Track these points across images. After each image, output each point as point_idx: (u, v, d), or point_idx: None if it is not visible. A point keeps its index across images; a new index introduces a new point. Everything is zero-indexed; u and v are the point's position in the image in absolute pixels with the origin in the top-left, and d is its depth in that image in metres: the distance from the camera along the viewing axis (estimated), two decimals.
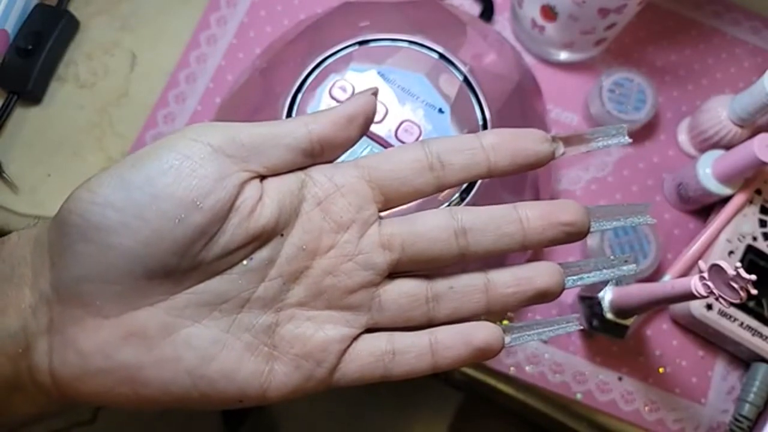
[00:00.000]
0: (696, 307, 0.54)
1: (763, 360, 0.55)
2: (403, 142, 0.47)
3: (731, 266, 0.38)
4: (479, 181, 0.47)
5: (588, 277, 0.30)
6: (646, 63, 0.64)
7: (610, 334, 0.52)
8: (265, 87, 0.50)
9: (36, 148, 0.58)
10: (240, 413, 1.13)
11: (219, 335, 0.27)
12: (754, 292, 0.37)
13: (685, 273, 0.57)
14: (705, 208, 0.59)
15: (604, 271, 0.31)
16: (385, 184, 0.29)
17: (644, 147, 0.62)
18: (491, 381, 0.57)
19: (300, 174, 0.29)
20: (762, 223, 0.56)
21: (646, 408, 0.56)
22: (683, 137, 0.62)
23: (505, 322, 0.35)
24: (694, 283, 0.41)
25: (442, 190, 0.30)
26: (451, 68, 0.49)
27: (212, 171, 0.26)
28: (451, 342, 0.30)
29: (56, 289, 0.26)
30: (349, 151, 0.30)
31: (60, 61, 0.61)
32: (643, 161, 0.61)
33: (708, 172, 0.55)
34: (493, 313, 0.30)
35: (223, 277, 0.27)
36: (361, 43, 0.49)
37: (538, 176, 0.53)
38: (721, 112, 0.56)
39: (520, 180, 0.51)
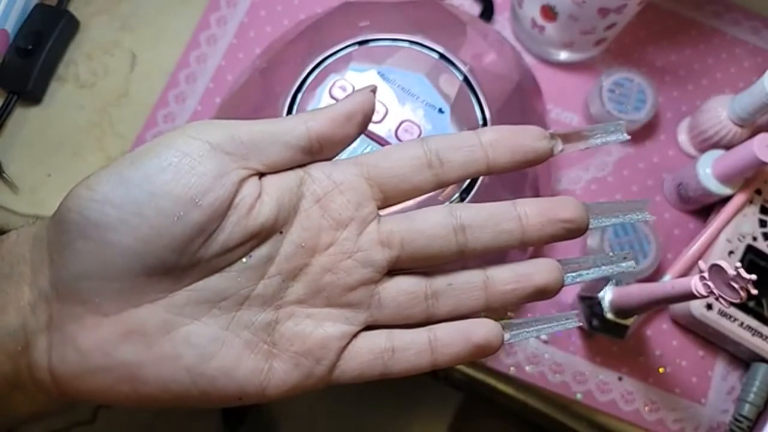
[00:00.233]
0: (696, 307, 0.54)
1: (763, 360, 0.55)
2: None
3: (731, 266, 0.37)
4: (479, 181, 0.47)
5: (587, 273, 0.30)
6: (646, 63, 0.64)
7: (610, 334, 0.52)
8: (265, 87, 0.50)
9: (36, 148, 0.58)
10: (240, 413, 1.13)
11: (218, 333, 0.27)
12: (754, 292, 0.37)
13: (685, 273, 0.57)
14: (705, 208, 0.59)
15: (603, 267, 0.31)
16: (384, 182, 0.29)
17: (644, 147, 0.62)
18: (491, 381, 0.57)
19: (299, 171, 0.29)
20: (762, 223, 0.56)
21: (646, 408, 0.56)
22: (683, 137, 0.62)
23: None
24: (694, 283, 0.41)
25: (441, 187, 0.30)
26: (451, 68, 0.49)
27: (211, 168, 0.26)
28: (451, 339, 0.30)
29: (55, 287, 0.26)
30: (349, 151, 0.30)
31: (60, 61, 0.61)
32: (643, 161, 0.61)
33: (708, 172, 0.55)
34: (493, 311, 0.30)
35: (222, 274, 0.27)
36: (361, 43, 0.49)
37: (538, 176, 0.53)
38: (721, 112, 0.56)
39: (520, 180, 0.51)
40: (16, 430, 0.31)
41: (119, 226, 0.25)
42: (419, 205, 0.31)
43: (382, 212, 0.30)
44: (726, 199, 0.56)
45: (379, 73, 0.48)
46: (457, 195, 0.46)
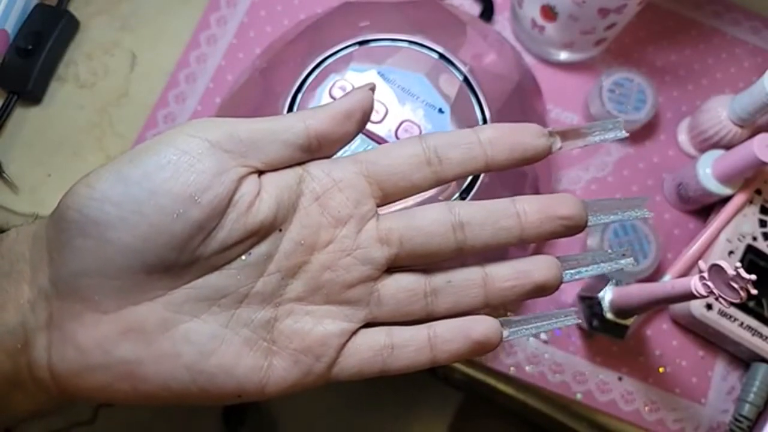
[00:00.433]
0: (696, 307, 0.54)
1: (763, 360, 0.55)
2: None
3: (731, 266, 0.38)
4: (479, 181, 0.47)
5: (586, 270, 0.30)
6: (646, 63, 0.64)
7: (610, 334, 0.52)
8: (265, 87, 0.50)
9: (36, 148, 0.58)
10: (240, 413, 1.13)
11: (218, 330, 0.27)
12: (754, 292, 0.37)
13: (685, 273, 0.57)
14: (705, 208, 0.59)
15: (602, 264, 0.31)
16: (382, 179, 0.29)
17: (644, 147, 0.62)
18: (491, 381, 0.57)
19: (298, 169, 0.29)
20: (762, 223, 0.56)
21: (646, 408, 0.56)
22: (683, 137, 0.62)
23: None
24: (694, 283, 0.41)
25: (440, 185, 0.30)
26: (451, 68, 0.49)
27: (210, 166, 0.26)
28: (450, 336, 0.30)
29: (55, 285, 0.26)
30: (349, 151, 0.30)
31: (60, 61, 0.61)
32: (643, 161, 0.61)
33: (708, 172, 0.55)
34: (493, 308, 0.30)
35: (222, 272, 0.27)
36: (361, 43, 0.49)
37: (538, 176, 0.53)
38: (721, 112, 0.56)
39: (520, 179, 0.51)
40: (15, 429, 0.31)
41: (118, 224, 0.25)
42: (419, 205, 0.31)
43: (381, 210, 0.30)
44: (726, 199, 0.56)
45: (379, 73, 0.48)
46: (457, 195, 0.46)
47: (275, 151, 0.28)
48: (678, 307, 0.56)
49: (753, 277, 0.37)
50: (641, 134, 0.62)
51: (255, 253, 0.28)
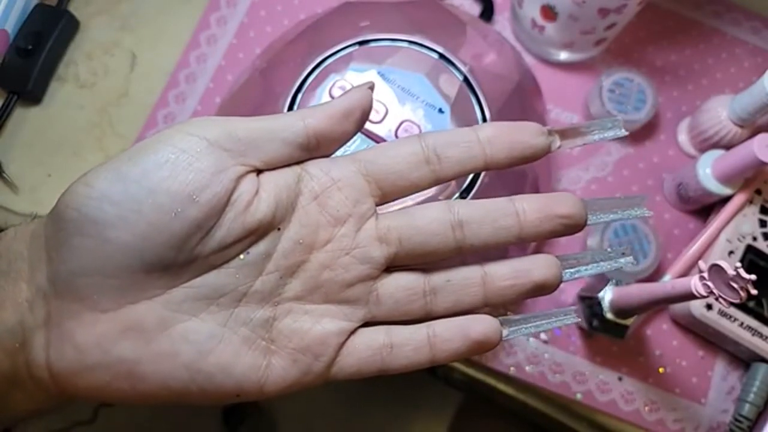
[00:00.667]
0: (696, 307, 0.54)
1: (763, 360, 0.54)
2: None
3: (731, 266, 0.37)
4: (479, 181, 0.47)
5: (585, 269, 0.30)
6: (646, 63, 0.64)
7: (610, 334, 0.52)
8: (265, 87, 0.50)
9: (36, 148, 0.58)
10: (239, 413, 1.13)
11: (216, 329, 0.27)
12: (754, 292, 0.37)
13: (685, 273, 0.57)
14: (705, 208, 0.59)
15: (602, 263, 0.31)
16: (381, 178, 0.29)
17: (644, 147, 0.62)
18: (491, 381, 0.57)
19: (296, 168, 0.29)
20: (762, 223, 0.56)
21: (646, 408, 0.56)
22: (683, 137, 0.62)
23: None
24: (694, 283, 0.41)
25: (439, 184, 0.30)
26: (451, 68, 0.49)
27: (209, 165, 0.26)
28: (449, 335, 0.30)
29: (53, 284, 0.26)
30: (350, 151, 0.30)
31: (60, 61, 0.61)
32: (643, 161, 0.61)
33: (708, 172, 0.55)
34: (493, 307, 0.30)
35: (220, 271, 0.27)
36: (361, 43, 0.49)
37: (537, 176, 0.53)
38: (721, 112, 0.56)
39: (520, 179, 0.51)
40: (15, 428, 0.31)
41: (117, 223, 0.25)
42: (418, 204, 0.31)
43: (380, 209, 0.30)
44: (726, 199, 0.56)
45: (379, 73, 0.48)
46: (457, 194, 0.46)
47: (274, 149, 0.28)
48: (678, 307, 0.56)
49: (753, 277, 0.36)
50: (641, 134, 0.62)
51: (253, 252, 0.28)
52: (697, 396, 0.57)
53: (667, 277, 0.56)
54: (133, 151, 0.26)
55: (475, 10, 0.64)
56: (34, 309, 0.27)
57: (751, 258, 0.55)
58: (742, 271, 0.37)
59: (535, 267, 0.30)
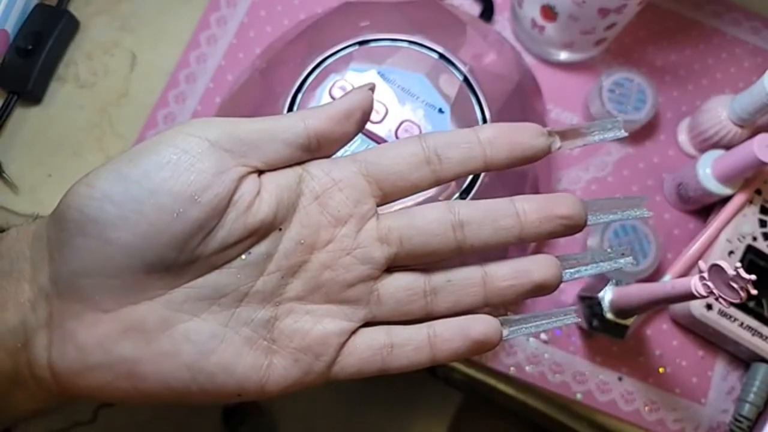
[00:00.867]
0: (696, 307, 0.54)
1: (763, 360, 0.55)
2: None
3: (731, 266, 0.38)
4: (479, 181, 0.47)
5: (585, 269, 0.30)
6: (646, 63, 0.64)
7: (610, 334, 0.52)
8: (265, 87, 0.50)
9: (36, 148, 0.58)
10: (240, 413, 1.13)
11: (217, 329, 0.28)
12: (754, 292, 0.37)
13: (685, 273, 0.57)
14: (705, 208, 0.59)
15: (602, 264, 0.31)
16: (382, 179, 0.29)
17: (644, 147, 0.62)
18: (491, 381, 0.57)
19: (297, 169, 0.29)
20: (762, 223, 0.56)
21: (646, 408, 0.56)
22: (683, 137, 0.62)
23: None
24: (694, 283, 0.41)
25: (439, 184, 0.30)
26: (451, 68, 0.49)
27: (210, 166, 0.26)
28: (450, 335, 0.30)
29: (55, 284, 0.26)
30: (350, 151, 0.30)
31: (60, 61, 0.61)
32: (643, 161, 0.61)
33: (708, 172, 0.55)
34: (493, 307, 0.30)
35: (222, 271, 0.28)
36: (361, 43, 0.49)
37: (538, 176, 0.53)
38: (721, 112, 0.56)
39: (520, 180, 0.51)
40: (15, 428, 0.31)
41: (118, 223, 0.25)
42: (419, 205, 0.31)
43: (381, 209, 0.30)
44: (726, 199, 0.56)
45: (379, 73, 0.48)
46: (457, 195, 0.46)
47: (275, 150, 0.28)
48: (678, 307, 0.56)
49: (753, 277, 0.37)
50: (641, 134, 0.62)
51: (255, 252, 0.28)
52: (697, 396, 0.57)
53: (667, 277, 0.56)
54: (135, 152, 0.27)
55: (475, 10, 0.64)
56: (36, 309, 0.27)
57: (751, 258, 0.55)
58: (742, 271, 0.37)
59: (535, 267, 0.30)
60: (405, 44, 0.49)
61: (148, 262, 0.26)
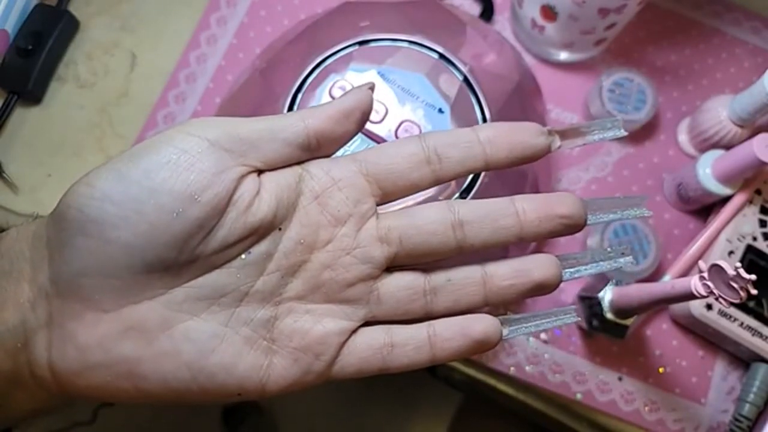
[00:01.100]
0: (696, 307, 0.54)
1: (763, 360, 0.55)
2: None
3: (731, 266, 0.38)
4: (479, 181, 0.47)
5: (585, 269, 0.30)
6: (646, 63, 0.64)
7: (610, 334, 0.52)
8: (265, 87, 0.50)
9: (36, 148, 0.58)
10: (240, 412, 1.13)
11: (217, 329, 0.28)
12: (754, 292, 0.37)
13: (685, 273, 0.57)
14: (705, 208, 0.59)
15: (602, 263, 0.31)
16: (382, 178, 0.29)
17: (644, 147, 0.62)
18: (491, 381, 0.57)
19: (297, 168, 0.29)
20: (762, 223, 0.56)
21: (646, 408, 0.56)
22: (683, 137, 0.62)
23: None
24: (694, 283, 0.41)
25: (439, 184, 0.30)
26: (451, 68, 0.49)
27: (210, 165, 0.26)
28: (450, 334, 0.30)
29: (55, 284, 0.26)
30: (350, 151, 0.30)
31: (60, 61, 0.61)
32: (643, 161, 0.61)
33: (708, 172, 0.55)
34: (493, 307, 0.30)
35: (222, 271, 0.28)
36: (361, 43, 0.49)
37: (537, 176, 0.53)
38: (721, 112, 0.56)
39: (520, 180, 0.51)
40: (15, 428, 0.31)
41: (118, 223, 0.25)
42: (419, 204, 0.31)
43: (381, 209, 0.30)
44: (726, 199, 0.56)
45: (379, 73, 0.48)
46: (457, 194, 0.46)
47: (275, 150, 0.28)
48: (678, 307, 0.56)
49: (753, 277, 0.37)
50: (641, 134, 0.62)
51: (255, 251, 0.28)
52: (697, 396, 0.57)
53: (667, 277, 0.56)
54: (135, 152, 0.27)
55: (475, 10, 0.64)
56: (36, 309, 0.27)
57: (751, 258, 0.55)
58: (742, 271, 0.37)
59: (535, 267, 0.30)
60: (405, 44, 0.49)
61: (148, 261, 0.26)
